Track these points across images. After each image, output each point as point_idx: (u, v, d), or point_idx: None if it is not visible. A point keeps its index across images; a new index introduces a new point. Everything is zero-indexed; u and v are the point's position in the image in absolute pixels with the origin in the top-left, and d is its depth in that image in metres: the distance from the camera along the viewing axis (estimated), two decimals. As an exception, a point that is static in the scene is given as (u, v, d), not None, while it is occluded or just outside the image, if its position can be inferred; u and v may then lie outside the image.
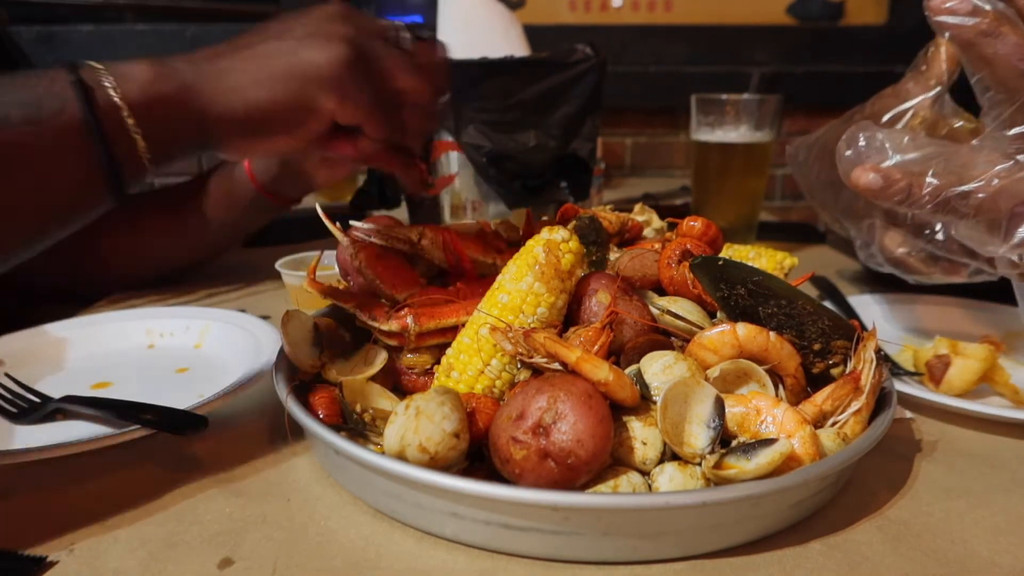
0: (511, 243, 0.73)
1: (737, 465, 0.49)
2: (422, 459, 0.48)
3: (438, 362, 0.61)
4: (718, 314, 0.63)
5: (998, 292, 0.80)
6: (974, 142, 0.61)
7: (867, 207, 0.79)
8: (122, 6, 2.33)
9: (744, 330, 0.57)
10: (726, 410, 0.52)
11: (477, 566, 0.48)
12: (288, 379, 0.60)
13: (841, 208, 0.89)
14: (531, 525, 0.47)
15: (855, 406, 0.56)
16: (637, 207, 0.86)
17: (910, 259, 0.74)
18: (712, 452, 0.50)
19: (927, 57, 0.84)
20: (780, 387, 0.59)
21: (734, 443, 0.52)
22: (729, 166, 1.28)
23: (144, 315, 0.91)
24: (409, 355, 0.63)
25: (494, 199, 1.13)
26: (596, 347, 0.54)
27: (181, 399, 0.65)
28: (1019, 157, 0.58)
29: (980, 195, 0.58)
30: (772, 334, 0.58)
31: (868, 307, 0.94)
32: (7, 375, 0.73)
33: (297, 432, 0.64)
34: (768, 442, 0.49)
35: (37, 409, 0.69)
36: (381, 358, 0.62)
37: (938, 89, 0.81)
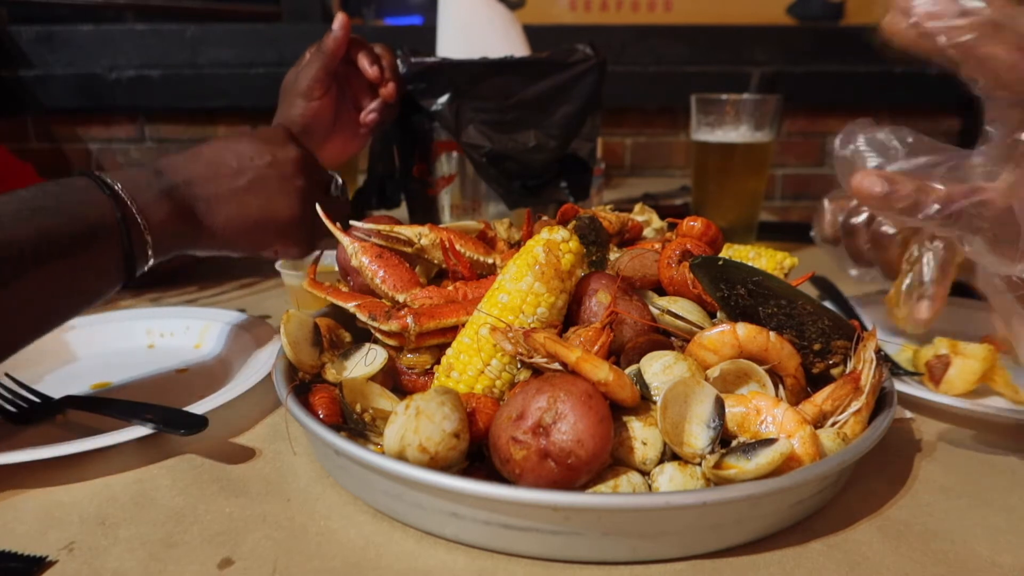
0: (511, 243, 0.73)
1: (737, 465, 0.49)
2: (422, 459, 0.48)
3: (438, 362, 0.61)
4: (718, 314, 0.63)
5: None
6: (981, 148, 0.56)
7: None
8: (122, 6, 2.33)
9: (744, 330, 0.57)
10: (726, 410, 0.52)
11: (477, 566, 0.48)
12: (288, 379, 0.60)
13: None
14: (531, 525, 0.47)
15: (855, 406, 0.56)
16: (637, 207, 0.86)
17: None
18: (712, 452, 0.50)
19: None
20: (780, 387, 0.59)
21: (734, 443, 0.52)
22: (729, 166, 1.28)
23: (144, 315, 0.92)
24: (409, 355, 0.63)
25: (494, 199, 1.13)
26: (596, 347, 0.54)
27: (181, 399, 0.65)
28: None
29: (999, 205, 0.52)
30: (772, 334, 0.57)
31: (868, 307, 0.94)
32: (7, 375, 0.73)
33: (297, 432, 0.64)
34: (768, 442, 0.49)
35: (37, 409, 0.69)
36: (381, 358, 0.62)
37: None
